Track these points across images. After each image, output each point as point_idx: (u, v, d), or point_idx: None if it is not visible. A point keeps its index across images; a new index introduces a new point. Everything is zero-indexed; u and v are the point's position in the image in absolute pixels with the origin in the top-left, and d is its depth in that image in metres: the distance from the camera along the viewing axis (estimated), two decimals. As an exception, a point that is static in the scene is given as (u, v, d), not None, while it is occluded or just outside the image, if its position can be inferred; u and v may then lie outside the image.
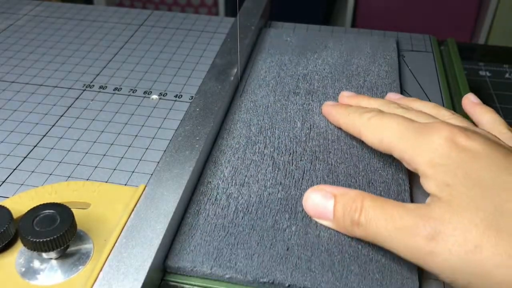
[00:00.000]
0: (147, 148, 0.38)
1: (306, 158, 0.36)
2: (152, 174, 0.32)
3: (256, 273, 0.28)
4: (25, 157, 0.37)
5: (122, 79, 0.47)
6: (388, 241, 0.27)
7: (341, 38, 0.51)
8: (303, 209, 0.32)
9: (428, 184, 0.28)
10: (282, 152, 0.36)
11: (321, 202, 0.30)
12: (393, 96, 0.40)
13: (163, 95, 0.45)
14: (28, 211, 0.27)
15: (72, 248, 0.29)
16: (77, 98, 0.44)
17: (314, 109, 0.41)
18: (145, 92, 0.45)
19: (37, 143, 0.39)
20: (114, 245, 0.28)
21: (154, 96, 0.45)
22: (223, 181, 0.34)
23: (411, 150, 0.30)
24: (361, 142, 0.36)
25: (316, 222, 0.31)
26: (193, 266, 0.28)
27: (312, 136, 0.38)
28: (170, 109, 0.43)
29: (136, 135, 0.40)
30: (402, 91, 0.45)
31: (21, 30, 0.56)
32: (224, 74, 0.42)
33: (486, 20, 1.35)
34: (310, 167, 0.35)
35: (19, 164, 0.37)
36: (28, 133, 0.40)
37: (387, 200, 0.28)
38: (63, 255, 0.28)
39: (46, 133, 0.40)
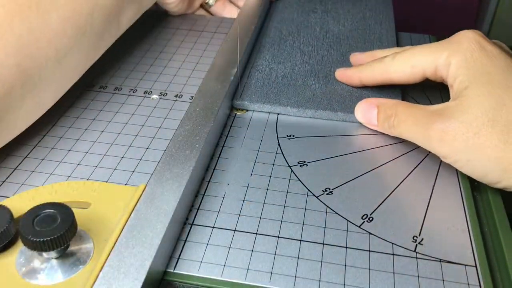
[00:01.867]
0: (147, 148, 0.38)
1: (324, 48, 0.49)
2: (152, 174, 0.33)
3: (293, 105, 0.41)
4: (25, 157, 0.37)
5: (122, 79, 0.47)
6: (413, 136, 0.36)
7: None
8: (323, 75, 0.45)
9: (454, 84, 0.35)
10: (306, 45, 0.49)
11: (368, 110, 0.39)
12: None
13: (163, 95, 0.45)
14: (29, 211, 0.27)
15: (72, 248, 0.29)
16: (77, 97, 0.44)
17: (329, 21, 0.54)
18: (145, 92, 0.45)
19: (38, 143, 0.39)
20: (114, 244, 0.28)
21: (154, 96, 0.45)
22: (265, 61, 0.47)
23: (444, 55, 0.35)
24: (366, 40, 0.50)
25: (333, 81, 0.44)
26: (251, 102, 0.42)
27: (328, 37, 0.51)
28: (170, 109, 0.43)
29: (136, 135, 0.40)
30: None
31: (21, 30, 0.56)
32: (224, 74, 0.42)
33: (486, 20, 1.35)
34: (327, 54, 0.48)
35: (19, 164, 0.37)
36: (28, 133, 0.40)
37: (416, 105, 0.36)
38: (64, 255, 0.28)
39: (47, 133, 0.40)
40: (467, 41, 0.35)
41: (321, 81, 0.44)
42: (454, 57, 0.35)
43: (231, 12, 0.58)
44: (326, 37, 0.51)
